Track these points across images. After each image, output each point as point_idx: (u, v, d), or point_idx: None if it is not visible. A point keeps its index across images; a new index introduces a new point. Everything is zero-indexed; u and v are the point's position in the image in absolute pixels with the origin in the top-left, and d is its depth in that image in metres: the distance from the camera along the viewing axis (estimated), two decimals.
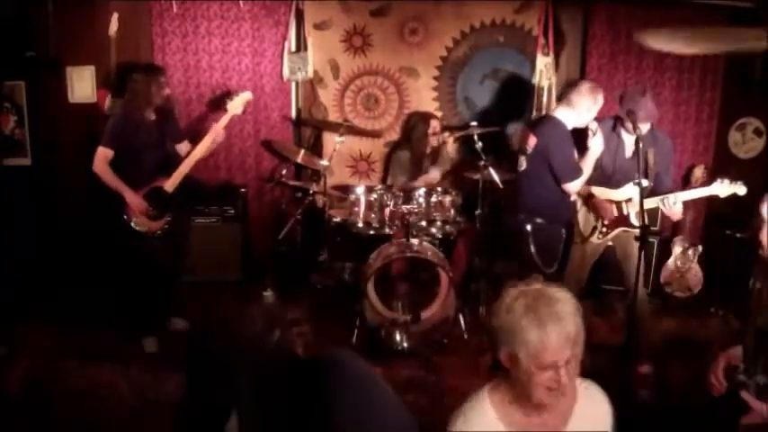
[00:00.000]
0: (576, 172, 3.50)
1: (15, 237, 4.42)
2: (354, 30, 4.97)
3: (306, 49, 4.92)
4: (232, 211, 4.89)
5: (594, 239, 3.64)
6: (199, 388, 1.63)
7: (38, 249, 4.53)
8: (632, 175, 3.38)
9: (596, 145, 3.49)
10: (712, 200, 3.54)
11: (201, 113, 4.91)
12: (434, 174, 4.74)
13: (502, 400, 1.62)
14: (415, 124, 4.84)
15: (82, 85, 4.65)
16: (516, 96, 5.05)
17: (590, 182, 3.59)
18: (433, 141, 4.76)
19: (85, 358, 3.33)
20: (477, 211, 4.26)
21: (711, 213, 4.93)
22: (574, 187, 3.54)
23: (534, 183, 3.63)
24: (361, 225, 4.13)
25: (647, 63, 4.92)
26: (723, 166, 4.79)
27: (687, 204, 3.63)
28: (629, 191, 3.51)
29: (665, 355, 3.75)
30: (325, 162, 4.65)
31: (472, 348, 3.87)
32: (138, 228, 3.76)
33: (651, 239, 4.62)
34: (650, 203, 3.37)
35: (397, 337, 3.92)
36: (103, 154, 3.68)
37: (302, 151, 4.67)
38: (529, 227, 3.60)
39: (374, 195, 4.16)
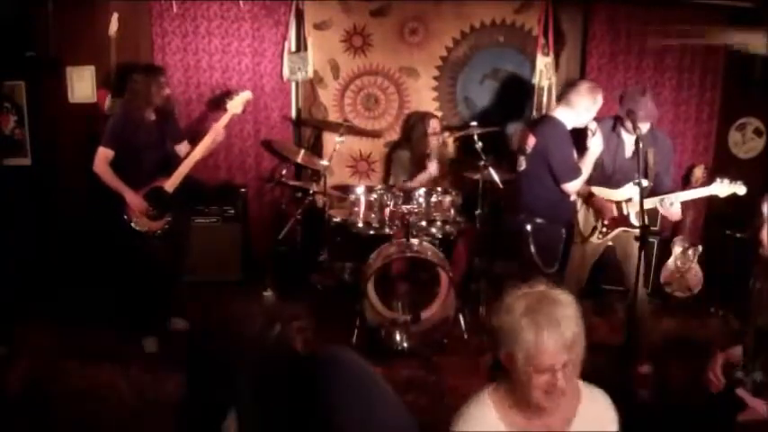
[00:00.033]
0: (575, 172, 3.50)
1: (15, 237, 4.42)
2: (354, 30, 4.97)
3: (306, 49, 4.92)
4: (232, 211, 4.89)
5: (594, 239, 3.64)
6: (198, 388, 1.63)
7: (38, 249, 4.52)
8: (632, 175, 3.38)
9: (596, 145, 3.49)
10: (712, 200, 3.55)
11: (201, 113, 4.91)
12: (432, 168, 4.68)
13: (503, 402, 1.62)
14: (415, 124, 4.84)
15: (82, 85, 4.65)
16: (516, 96, 5.05)
17: (590, 182, 3.59)
18: (433, 141, 4.75)
19: (85, 358, 3.33)
20: (477, 211, 4.26)
21: (711, 213, 4.93)
22: (573, 187, 3.54)
23: (534, 183, 3.62)
24: (361, 225, 4.13)
25: (647, 63, 4.92)
26: (723, 166, 4.79)
27: (687, 204, 3.63)
28: (629, 191, 3.51)
29: (664, 355, 3.75)
30: (325, 162, 4.65)
31: (472, 348, 3.87)
32: (138, 228, 3.76)
33: (651, 239, 4.62)
34: (650, 203, 3.38)
35: (397, 337, 3.93)
36: (103, 154, 3.69)
37: (302, 151, 4.67)
38: (529, 227, 3.60)
39: (374, 195, 4.15)
